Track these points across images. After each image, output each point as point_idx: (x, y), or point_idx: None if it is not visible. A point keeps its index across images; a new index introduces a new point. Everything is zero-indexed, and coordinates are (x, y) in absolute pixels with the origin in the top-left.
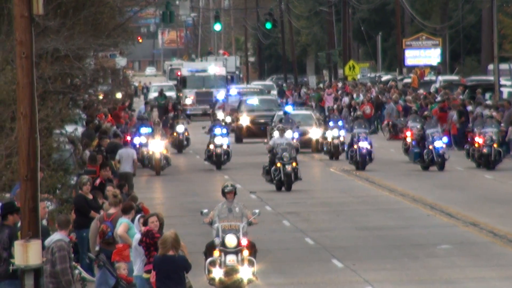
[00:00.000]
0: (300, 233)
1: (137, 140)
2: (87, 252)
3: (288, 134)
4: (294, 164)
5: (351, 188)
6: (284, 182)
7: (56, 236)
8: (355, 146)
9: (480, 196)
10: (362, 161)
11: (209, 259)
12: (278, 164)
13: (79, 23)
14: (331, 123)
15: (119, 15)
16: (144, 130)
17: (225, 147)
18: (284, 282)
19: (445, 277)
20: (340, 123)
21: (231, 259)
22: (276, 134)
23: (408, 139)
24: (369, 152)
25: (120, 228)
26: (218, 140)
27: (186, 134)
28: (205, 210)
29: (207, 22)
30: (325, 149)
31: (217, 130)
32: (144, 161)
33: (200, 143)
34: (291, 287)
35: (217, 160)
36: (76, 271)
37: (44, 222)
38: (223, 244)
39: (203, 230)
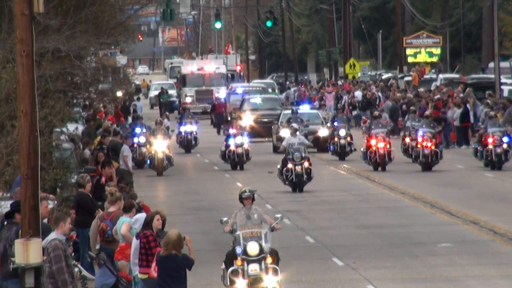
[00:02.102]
0: (300, 232)
1: (135, 140)
2: (89, 250)
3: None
4: (306, 164)
5: (351, 187)
6: (296, 183)
7: (51, 236)
8: (374, 147)
9: (480, 194)
10: (381, 162)
11: (230, 269)
12: (290, 165)
13: (80, 21)
14: (336, 123)
15: (120, 14)
16: (139, 130)
17: (246, 146)
18: (284, 280)
19: (446, 275)
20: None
21: (253, 268)
22: (283, 133)
23: (407, 139)
24: (389, 152)
25: (122, 228)
26: (238, 140)
27: (195, 133)
28: (225, 218)
29: (208, 20)
30: (332, 149)
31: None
32: (146, 161)
33: (203, 142)
34: (291, 285)
35: (239, 160)
36: (76, 270)
37: (45, 220)
38: (245, 252)
39: (204, 228)
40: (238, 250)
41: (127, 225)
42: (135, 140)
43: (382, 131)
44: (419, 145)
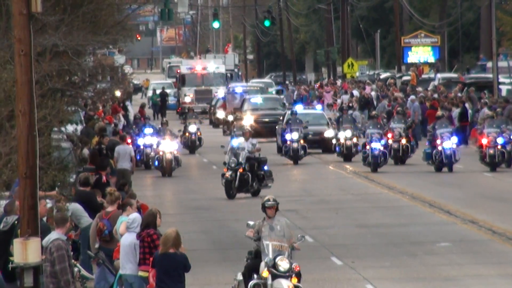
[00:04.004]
0: (299, 231)
1: (141, 141)
2: (88, 250)
3: (294, 135)
4: (241, 170)
5: (350, 186)
6: (225, 188)
7: (53, 235)
8: (368, 147)
9: (479, 193)
10: (374, 163)
11: (252, 282)
12: (225, 170)
13: (77, 20)
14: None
15: (118, 13)
16: (148, 130)
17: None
18: None
19: (444, 275)
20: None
21: (281, 283)
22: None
23: (390, 141)
24: (384, 153)
25: (121, 227)
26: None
27: (199, 134)
28: (252, 223)
29: (206, 20)
30: (337, 150)
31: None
32: (154, 163)
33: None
34: None
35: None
36: (76, 269)
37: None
38: (274, 266)
39: (203, 228)
40: (268, 260)
41: (125, 224)
42: (140, 141)
43: (377, 132)
44: (439, 146)
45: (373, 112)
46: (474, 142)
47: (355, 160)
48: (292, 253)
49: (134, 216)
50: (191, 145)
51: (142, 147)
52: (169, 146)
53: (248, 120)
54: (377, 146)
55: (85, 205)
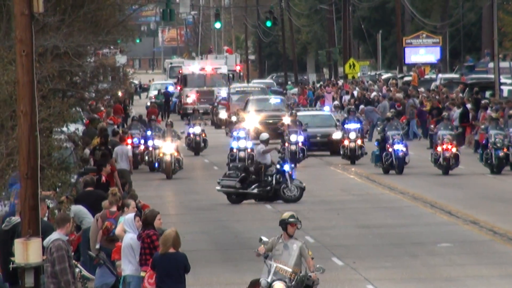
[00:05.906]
0: (300, 231)
1: (149, 143)
2: (88, 250)
3: (293, 137)
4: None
5: (351, 186)
6: None
7: (54, 236)
8: (390, 149)
9: (480, 194)
10: (399, 165)
11: None
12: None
13: (78, 20)
14: (347, 125)
15: (119, 13)
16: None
17: (249, 150)
18: None
19: (445, 275)
20: (358, 125)
21: None
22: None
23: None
24: (405, 155)
25: (118, 227)
26: (242, 143)
27: (203, 135)
28: (265, 239)
29: (208, 20)
30: (342, 152)
31: (240, 133)
32: (154, 165)
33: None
34: None
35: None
36: (77, 270)
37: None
38: None
39: (204, 228)
40: (264, 282)
41: (122, 225)
42: (150, 143)
43: (398, 133)
44: (439, 148)
45: (388, 114)
46: (469, 143)
47: (360, 163)
48: (303, 280)
49: (126, 217)
50: (196, 146)
51: (152, 148)
52: (168, 148)
53: (252, 121)
54: (400, 147)
55: (100, 203)
